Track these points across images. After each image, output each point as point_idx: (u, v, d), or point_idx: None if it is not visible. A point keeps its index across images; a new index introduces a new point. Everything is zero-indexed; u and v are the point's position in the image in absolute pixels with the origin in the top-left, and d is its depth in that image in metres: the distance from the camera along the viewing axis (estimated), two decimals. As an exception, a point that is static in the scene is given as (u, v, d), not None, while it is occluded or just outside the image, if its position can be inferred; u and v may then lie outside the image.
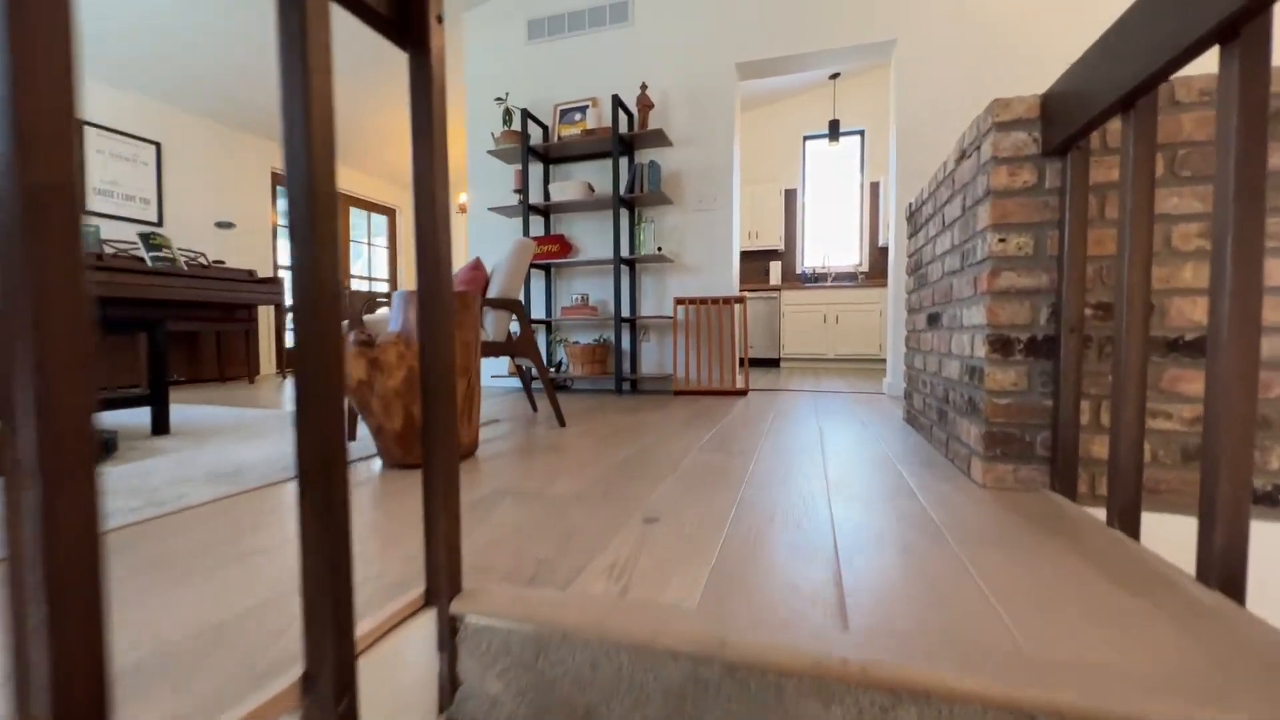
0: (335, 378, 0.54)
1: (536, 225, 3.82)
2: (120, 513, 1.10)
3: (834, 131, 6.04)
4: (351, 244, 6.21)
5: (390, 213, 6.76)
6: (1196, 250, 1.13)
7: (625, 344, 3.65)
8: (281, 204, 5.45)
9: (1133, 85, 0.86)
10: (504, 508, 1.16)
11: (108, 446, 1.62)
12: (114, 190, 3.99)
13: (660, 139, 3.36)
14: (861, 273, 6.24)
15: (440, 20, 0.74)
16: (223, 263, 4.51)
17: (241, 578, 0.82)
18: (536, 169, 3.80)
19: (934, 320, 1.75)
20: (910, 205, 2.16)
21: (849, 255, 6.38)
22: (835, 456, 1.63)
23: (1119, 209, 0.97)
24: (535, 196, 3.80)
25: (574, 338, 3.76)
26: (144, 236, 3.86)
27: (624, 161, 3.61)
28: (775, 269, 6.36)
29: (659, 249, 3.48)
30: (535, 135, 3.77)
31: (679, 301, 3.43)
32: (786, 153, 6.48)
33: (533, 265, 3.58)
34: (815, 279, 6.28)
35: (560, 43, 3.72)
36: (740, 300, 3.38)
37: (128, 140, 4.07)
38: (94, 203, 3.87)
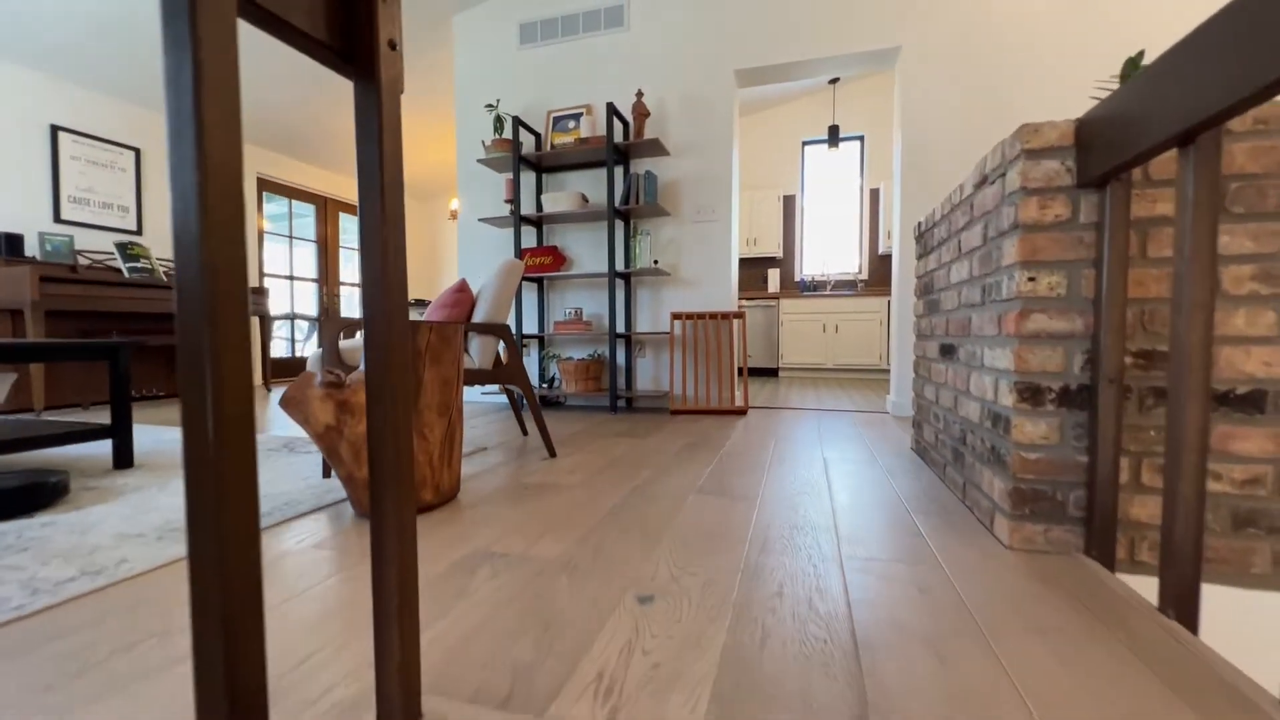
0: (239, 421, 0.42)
1: (528, 236, 3.70)
2: (44, 590, 0.97)
3: (833, 137, 5.94)
4: (342, 250, 6.08)
5: (381, 218, 6.60)
6: (1250, 295, 1.02)
7: (620, 359, 3.54)
8: (272, 209, 5.31)
9: (1201, 118, 0.75)
10: (481, 578, 1.04)
11: (55, 490, 1.49)
12: (90, 198, 3.85)
13: (656, 148, 3.24)
14: (861, 281, 6.14)
15: (394, 46, 0.62)
16: (205, 272, 4.36)
17: (170, 693, 0.70)
18: (529, 178, 3.68)
19: (948, 352, 1.64)
20: (920, 225, 2.05)
21: (849, 263, 6.28)
22: (844, 501, 1.52)
23: (1175, 252, 0.86)
24: (527, 207, 3.68)
25: (567, 353, 3.64)
26: (121, 247, 3.72)
27: (619, 171, 3.49)
28: (774, 276, 6.26)
29: (655, 262, 3.36)
30: (528, 143, 3.65)
31: (676, 316, 3.31)
32: (785, 158, 6.37)
33: (525, 278, 3.46)
34: (814, 287, 6.18)
35: (553, 47, 3.60)
36: (739, 315, 3.27)
37: (106, 146, 3.93)
38: (68, 211, 3.72)
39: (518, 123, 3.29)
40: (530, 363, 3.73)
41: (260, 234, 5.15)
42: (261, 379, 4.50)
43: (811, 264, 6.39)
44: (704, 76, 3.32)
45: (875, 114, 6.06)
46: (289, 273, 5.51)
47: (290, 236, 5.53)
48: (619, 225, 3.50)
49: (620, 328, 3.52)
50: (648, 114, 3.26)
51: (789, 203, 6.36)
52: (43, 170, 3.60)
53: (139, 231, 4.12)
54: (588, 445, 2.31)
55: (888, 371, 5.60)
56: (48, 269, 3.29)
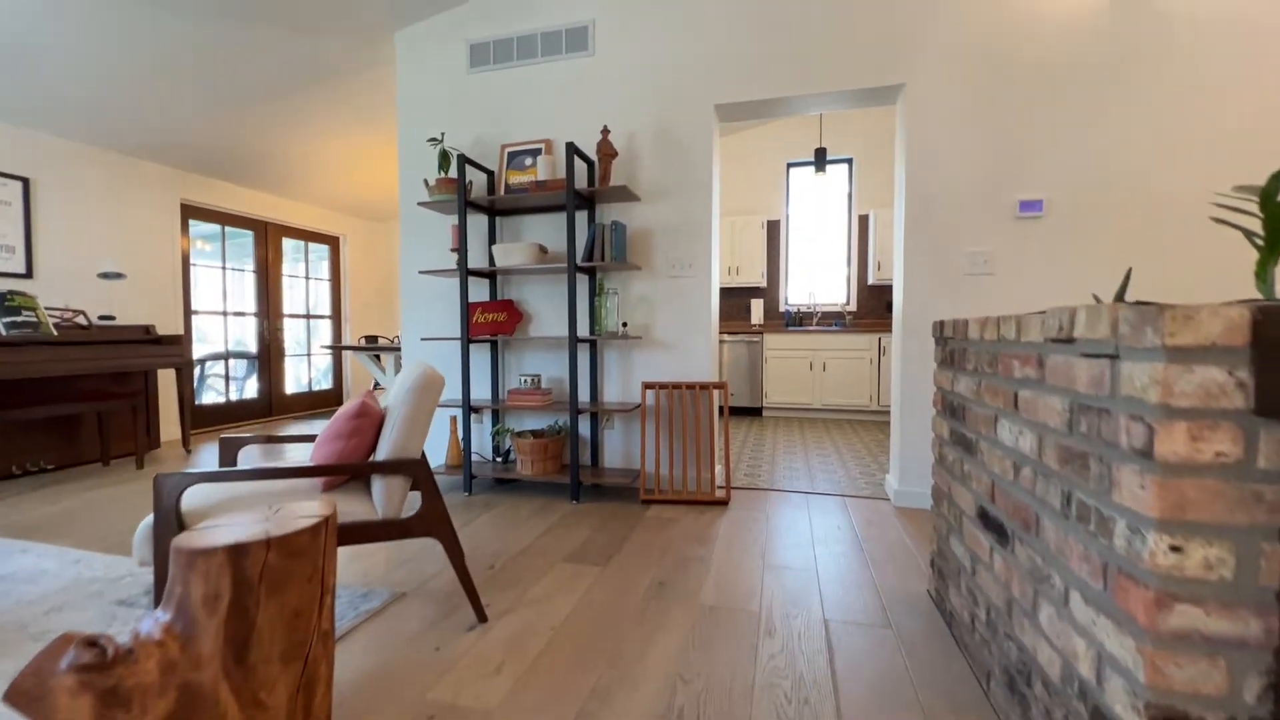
0: None
1: (480, 287, 3.23)
2: None
3: (820, 160, 5.56)
4: (285, 279, 5.52)
5: (333, 241, 6.08)
6: None
7: (585, 429, 3.10)
8: (201, 232, 4.75)
9: None
10: None
11: None
12: (-37, 238, 3.28)
13: (625, 194, 2.81)
14: (849, 312, 5.78)
15: None
16: (112, 319, 3.82)
17: None
18: (479, 221, 3.21)
19: (1000, 534, 1.24)
20: (942, 327, 1.65)
21: (836, 293, 5.92)
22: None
23: None
24: (478, 254, 3.21)
25: (526, 422, 3.19)
26: (-2, 297, 3.16)
27: (582, 216, 3.05)
28: (757, 307, 5.87)
29: (624, 325, 2.92)
30: (479, 181, 3.18)
31: (648, 386, 2.88)
32: (769, 181, 5.99)
33: (474, 340, 3.00)
34: (799, 320, 5.81)
35: (508, 72, 3.14)
36: (720, 386, 2.85)
37: (-17, 176, 3.36)
38: (-66, 255, 3.16)
39: (464, 161, 2.82)
40: (481, 433, 3.26)
41: (185, 263, 4.58)
42: (181, 439, 3.95)
43: (797, 294, 6.02)
44: (680, 111, 2.90)
45: (865, 136, 5.70)
46: (222, 307, 4.95)
47: (224, 267, 4.97)
48: (583, 281, 3.06)
49: (584, 396, 3.08)
50: (615, 154, 2.82)
51: (773, 229, 5.98)
52: (-103, 208, 3.03)
53: (29, 274, 3.56)
54: (533, 582, 1.87)
55: (879, 414, 5.25)
56: (-107, 332, 2.74)
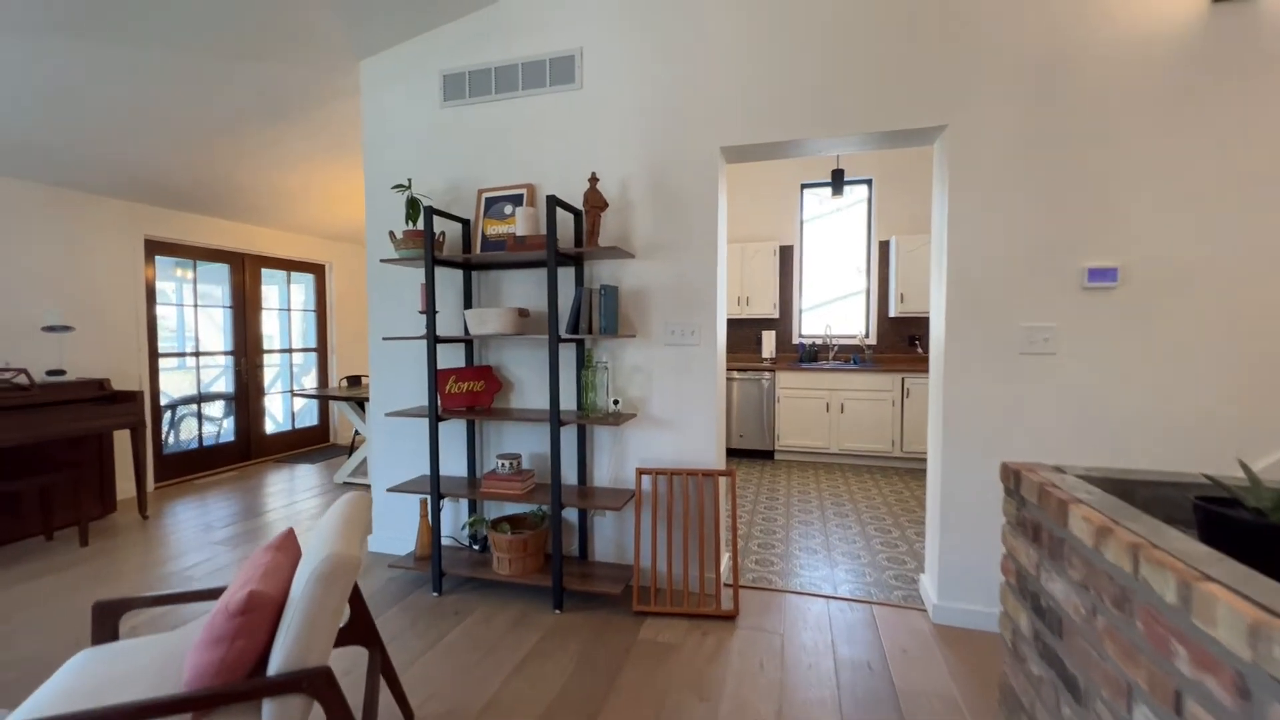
0: None
1: (453, 354, 2.86)
2: None
3: (837, 182, 5.14)
4: (265, 312, 5.19)
5: (318, 269, 5.74)
6: None
7: (573, 515, 2.72)
8: (168, 268, 4.42)
9: None
10: None
11: None
12: (-113, 294, 2.96)
13: (617, 252, 2.42)
14: (868, 346, 5.35)
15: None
16: (62, 373, 3.49)
17: None
18: (453, 275, 2.84)
19: None
20: (1018, 484, 1.24)
21: (854, 325, 5.49)
22: None
23: None
24: (451, 315, 2.84)
25: (506, 507, 2.81)
26: (-79, 362, 2.84)
27: (568, 274, 2.66)
28: (768, 339, 5.45)
29: (615, 403, 2.53)
30: (453, 231, 2.81)
31: (643, 471, 2.49)
32: (781, 204, 5.57)
33: (450, 411, 2.63)
34: (814, 355, 5.38)
35: (486, 107, 2.76)
36: (728, 474, 2.46)
37: (-90, 225, 3.03)
38: None
39: (432, 213, 2.45)
40: (453, 517, 2.89)
41: (150, 305, 4.26)
42: (138, 505, 3.62)
43: (811, 325, 5.60)
44: (681, 154, 2.50)
45: (885, 156, 5.27)
46: (194, 347, 4.63)
47: (195, 304, 4.65)
48: (569, 348, 2.68)
49: (572, 477, 2.70)
50: (604, 205, 2.43)
51: (785, 255, 5.56)
52: None
53: (-33, 328, 3.23)
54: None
55: (902, 461, 4.82)
56: None
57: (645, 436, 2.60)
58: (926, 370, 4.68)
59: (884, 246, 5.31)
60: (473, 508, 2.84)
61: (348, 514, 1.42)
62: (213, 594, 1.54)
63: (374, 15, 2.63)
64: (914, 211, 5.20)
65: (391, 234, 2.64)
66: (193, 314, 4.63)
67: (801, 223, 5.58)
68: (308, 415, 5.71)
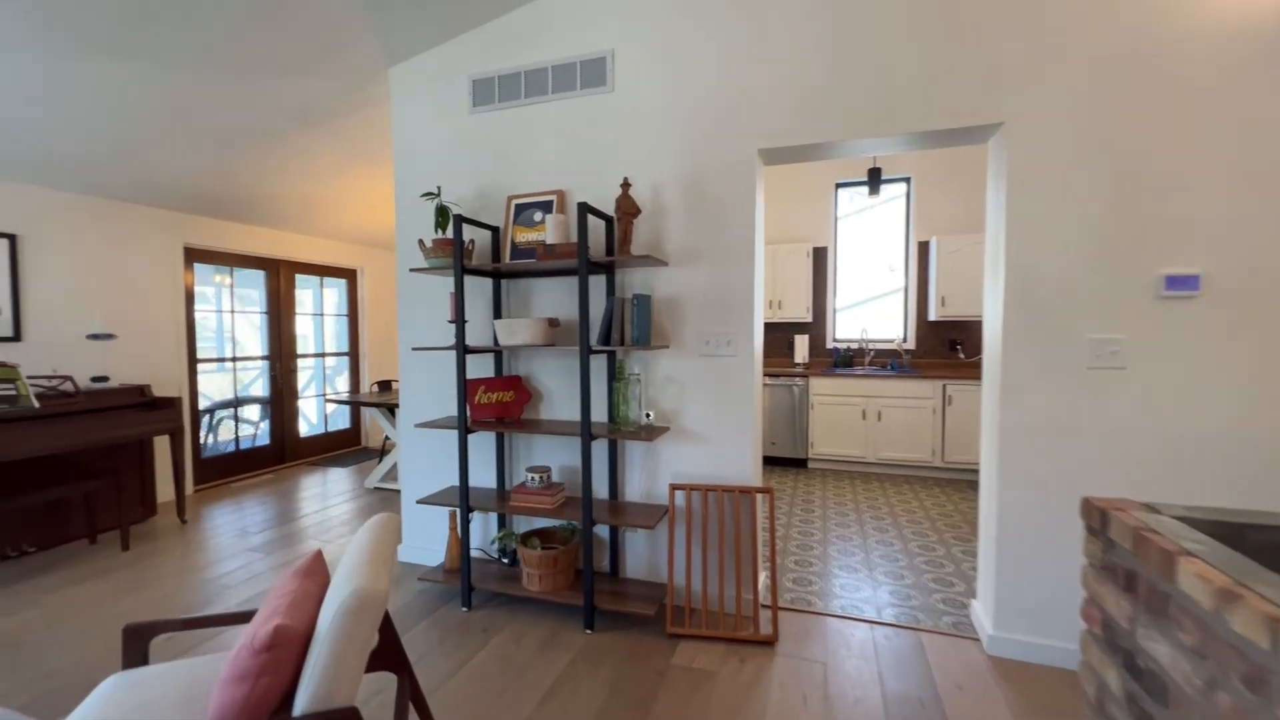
0: None
1: (482, 363, 2.82)
2: None
3: (874, 181, 4.96)
4: (299, 317, 5.27)
5: (350, 274, 5.81)
6: None
7: (604, 530, 2.64)
8: (207, 275, 4.51)
9: None
10: None
11: None
12: (-57, 305, 3.06)
13: (649, 260, 2.33)
14: (907, 351, 5.15)
15: None
16: (106, 380, 3.57)
17: None
18: (483, 284, 2.80)
19: None
20: (1105, 524, 1.11)
21: (891, 329, 5.29)
22: None
23: None
24: (481, 324, 2.80)
25: (535, 521, 2.76)
26: (-27, 371, 2.92)
27: (599, 282, 2.59)
28: (801, 344, 5.30)
29: (648, 416, 2.45)
30: (483, 239, 2.77)
31: (676, 487, 2.40)
32: (815, 203, 5.40)
33: (479, 422, 2.59)
34: (849, 359, 5.21)
35: (515, 112, 2.71)
36: (765, 491, 2.35)
37: (-36, 237, 3.14)
38: (-90, 326, 2.94)
39: (461, 221, 2.40)
40: (482, 528, 2.85)
41: (190, 311, 4.34)
42: (176, 509, 3.69)
43: (846, 329, 5.42)
44: (716, 157, 2.40)
45: (925, 153, 5.06)
46: (231, 352, 4.72)
47: (232, 310, 4.73)
48: (600, 359, 2.60)
49: (603, 490, 2.63)
50: (637, 211, 2.34)
51: (819, 257, 5.39)
52: None
53: (16, 337, 3.33)
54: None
55: (943, 471, 4.62)
56: None
57: (679, 450, 2.50)
58: (970, 377, 4.48)
59: (923, 247, 5.10)
60: (502, 521, 2.79)
61: (376, 541, 1.36)
62: (242, 617, 1.51)
63: (404, 22, 2.60)
64: (956, 211, 4.99)
65: (421, 242, 2.60)
66: (230, 320, 4.72)
67: (836, 223, 5.41)
68: (340, 418, 5.78)
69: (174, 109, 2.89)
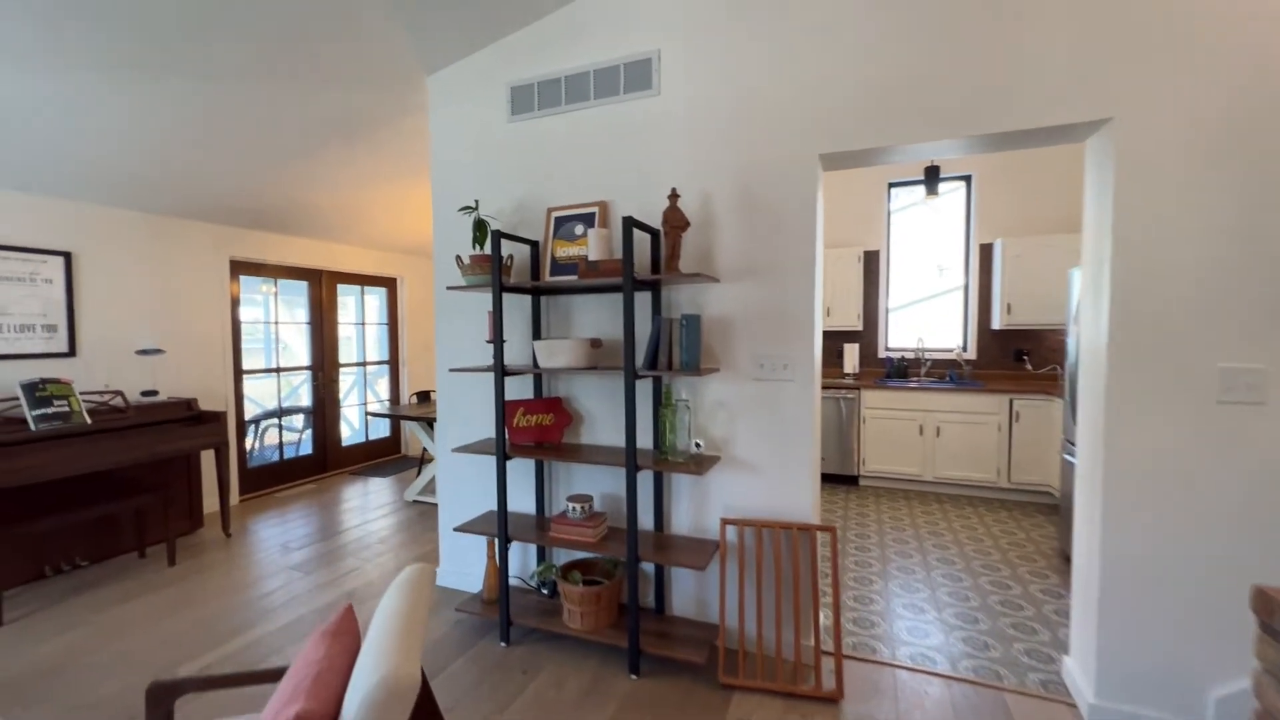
0: None
1: (522, 383, 2.69)
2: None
3: (932, 180, 4.66)
4: (340, 326, 5.29)
5: (390, 283, 5.82)
6: None
7: (649, 565, 2.48)
8: (252, 287, 4.56)
9: None
10: None
11: None
12: (2, 323, 3.13)
13: (699, 277, 2.15)
14: (967, 361, 4.81)
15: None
16: (155, 393, 3.62)
17: None
18: (521, 301, 2.68)
19: None
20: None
21: (949, 338, 4.96)
22: None
23: None
24: (519, 343, 2.68)
25: (575, 553, 2.62)
26: (29, 388, 2.98)
27: (644, 299, 2.42)
28: (851, 353, 5.02)
29: (697, 445, 2.27)
30: (521, 254, 2.64)
31: (728, 521, 2.22)
32: (867, 205, 5.11)
33: (517, 446, 2.47)
34: (903, 370, 4.90)
35: (555, 119, 2.57)
36: (827, 530, 2.14)
37: (22, 256, 3.20)
38: (-28, 344, 3.01)
39: (499, 237, 2.28)
40: (521, 553, 2.73)
41: (235, 323, 4.39)
42: (221, 522, 3.71)
43: (899, 338, 5.11)
44: (772, 163, 2.21)
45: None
46: (275, 363, 4.76)
47: (276, 321, 4.78)
48: (644, 383, 2.44)
49: (647, 521, 2.47)
50: (685, 224, 2.17)
51: (871, 261, 5.10)
52: (-68, 300, 2.90)
53: (72, 352, 3.40)
54: None
55: (1009, 493, 4.28)
56: (-88, 442, 2.56)
57: (730, 481, 2.32)
58: (1038, 391, 4.13)
59: (985, 250, 4.75)
60: (542, 554, 2.67)
61: (407, 606, 1.24)
62: (271, 676, 1.41)
63: (441, 29, 2.50)
64: (1023, 211, 4.62)
65: (458, 259, 2.49)
66: (274, 330, 4.77)
67: (889, 226, 5.10)
68: (380, 426, 5.81)
69: (217, 125, 2.87)
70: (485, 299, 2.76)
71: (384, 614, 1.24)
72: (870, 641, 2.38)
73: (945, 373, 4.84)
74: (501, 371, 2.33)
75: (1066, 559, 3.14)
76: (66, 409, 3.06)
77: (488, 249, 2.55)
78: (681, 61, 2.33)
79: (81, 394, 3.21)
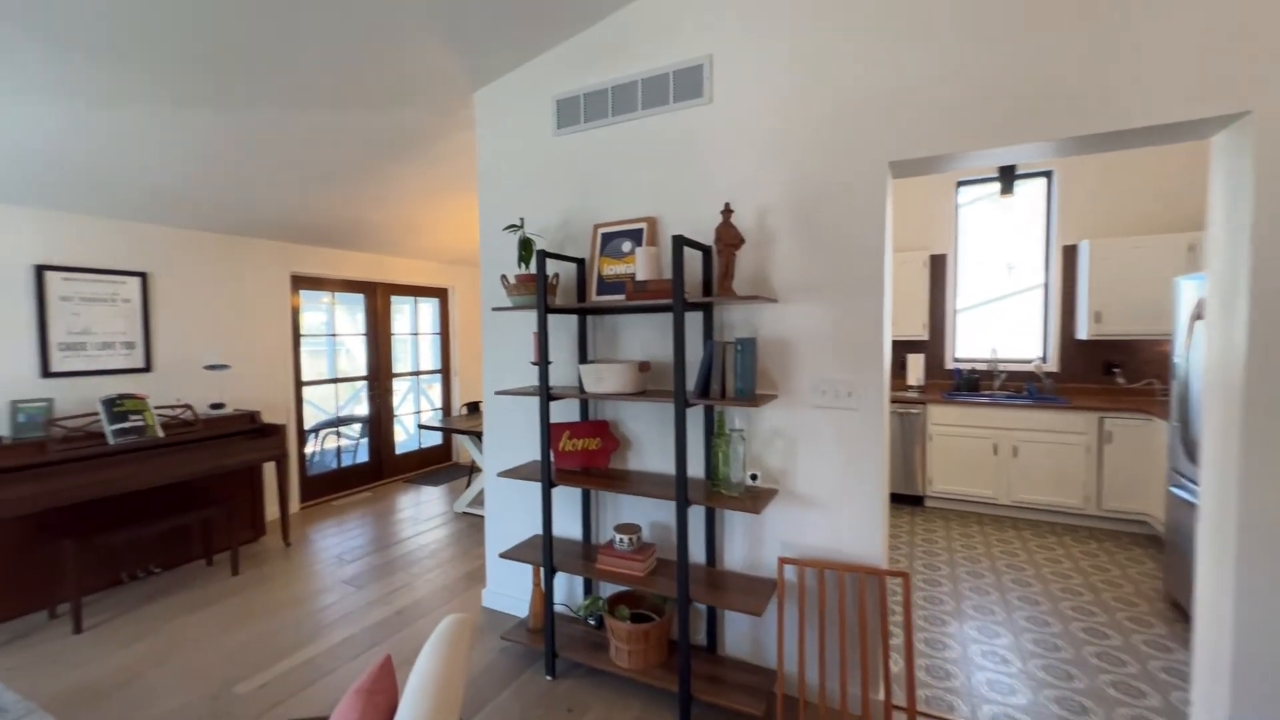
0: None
1: (568, 405, 2.61)
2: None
3: (1007, 178, 4.30)
4: (393, 336, 5.41)
5: (441, 293, 5.91)
6: None
7: (701, 604, 2.34)
8: (309, 301, 4.71)
9: None
10: None
11: None
12: (86, 341, 3.32)
13: (755, 298, 2.00)
14: (1047, 374, 4.41)
15: None
16: (222, 406, 3.77)
17: None
18: (567, 321, 2.59)
19: None
20: None
21: (1027, 348, 4.56)
22: None
23: None
24: (565, 363, 2.59)
25: (621, 588, 2.51)
26: (107, 403, 3.14)
27: (695, 319, 2.28)
28: (915, 364, 4.70)
29: (753, 478, 2.12)
30: (567, 272, 2.56)
31: (786, 561, 2.06)
32: (933, 206, 4.78)
33: (562, 472, 2.39)
34: (974, 383, 4.54)
35: (602, 132, 2.47)
36: (900, 575, 1.94)
37: (104, 278, 3.39)
38: (59, 362, 3.20)
39: (544, 256, 2.20)
40: (567, 581, 2.64)
41: (296, 336, 4.54)
42: (282, 531, 3.83)
43: (968, 348, 4.75)
44: (835, 173, 2.03)
45: (1072, 141, 4.29)
46: (333, 374, 4.90)
47: (334, 334, 4.92)
48: (695, 411, 2.30)
49: (698, 554, 2.33)
50: (740, 241, 2.02)
51: (937, 266, 4.76)
52: (26, 321, 3.10)
53: (148, 368, 3.57)
54: None
55: (1100, 521, 3.89)
56: (5, 455, 2.74)
57: (788, 516, 2.15)
58: (1134, 408, 3.72)
59: (1068, 252, 4.34)
60: (589, 586, 2.57)
61: (444, 667, 1.16)
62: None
63: (487, 44, 2.45)
64: (1113, 209, 4.19)
65: (504, 278, 2.43)
66: (332, 342, 4.91)
67: (957, 227, 4.75)
68: (432, 434, 5.90)
69: (277, 148, 2.94)
70: (531, 318, 2.69)
71: (419, 677, 1.17)
72: (946, 696, 2.16)
73: (1023, 386, 4.45)
74: (546, 395, 2.25)
75: (1175, 605, 2.78)
76: (141, 423, 3.21)
77: (533, 267, 2.48)
78: (735, 67, 2.18)
79: (155, 408, 3.36)
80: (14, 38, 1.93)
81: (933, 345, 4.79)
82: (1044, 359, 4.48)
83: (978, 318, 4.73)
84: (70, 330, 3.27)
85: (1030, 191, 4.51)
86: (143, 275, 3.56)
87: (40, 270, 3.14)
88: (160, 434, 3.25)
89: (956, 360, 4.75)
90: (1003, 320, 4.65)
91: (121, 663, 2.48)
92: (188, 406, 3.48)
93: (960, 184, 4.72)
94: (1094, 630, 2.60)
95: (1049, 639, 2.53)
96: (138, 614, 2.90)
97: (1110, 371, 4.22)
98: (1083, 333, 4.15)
